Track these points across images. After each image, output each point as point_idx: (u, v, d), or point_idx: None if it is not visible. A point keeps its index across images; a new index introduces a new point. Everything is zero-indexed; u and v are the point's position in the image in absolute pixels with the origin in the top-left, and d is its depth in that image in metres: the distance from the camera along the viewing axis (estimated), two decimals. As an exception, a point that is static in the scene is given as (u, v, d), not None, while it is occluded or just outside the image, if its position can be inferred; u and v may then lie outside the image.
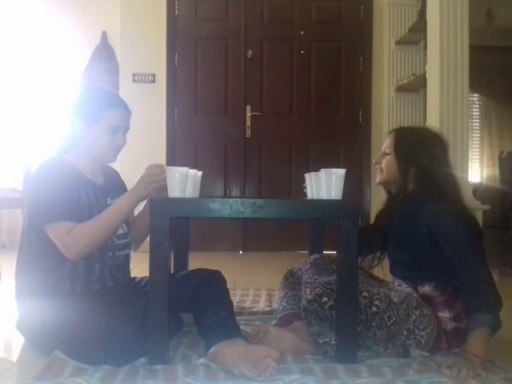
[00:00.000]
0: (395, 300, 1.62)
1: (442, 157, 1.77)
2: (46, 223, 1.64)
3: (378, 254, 1.90)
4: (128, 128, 1.81)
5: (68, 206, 1.65)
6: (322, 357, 1.62)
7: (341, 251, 1.59)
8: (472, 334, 1.56)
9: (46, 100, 4.36)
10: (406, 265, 1.81)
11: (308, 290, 1.64)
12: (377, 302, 1.59)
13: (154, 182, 1.65)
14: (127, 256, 1.86)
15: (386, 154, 1.82)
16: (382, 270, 1.94)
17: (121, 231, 1.79)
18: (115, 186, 1.88)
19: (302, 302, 1.66)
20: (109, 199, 1.78)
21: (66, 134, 1.79)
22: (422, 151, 1.75)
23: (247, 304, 2.41)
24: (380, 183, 1.87)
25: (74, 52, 4.41)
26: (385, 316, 1.59)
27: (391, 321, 1.60)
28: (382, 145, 1.87)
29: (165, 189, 1.60)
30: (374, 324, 1.59)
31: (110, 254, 1.75)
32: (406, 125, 4.35)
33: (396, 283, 1.81)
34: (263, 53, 4.43)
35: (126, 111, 1.79)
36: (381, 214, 1.92)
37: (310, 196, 1.85)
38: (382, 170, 1.83)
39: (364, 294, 1.60)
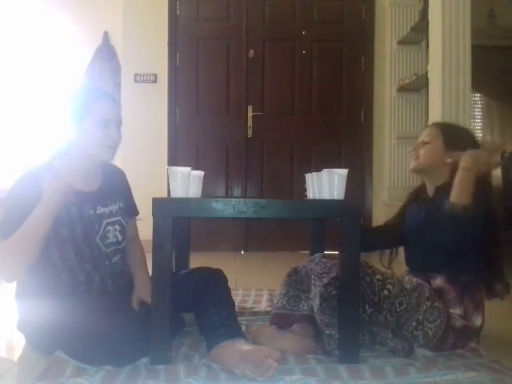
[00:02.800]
0: (407, 286, 1.64)
1: None
2: None
3: (395, 248, 2.01)
4: (120, 121, 1.75)
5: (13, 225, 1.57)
6: (323, 354, 1.63)
7: (343, 251, 1.59)
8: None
9: (48, 101, 4.36)
10: (423, 252, 1.84)
11: (324, 280, 1.64)
12: (389, 286, 1.61)
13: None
14: (123, 260, 1.83)
15: (426, 143, 1.87)
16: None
17: (112, 239, 1.75)
18: (113, 190, 1.82)
19: (319, 289, 1.64)
20: (99, 207, 1.73)
21: (60, 140, 1.76)
22: (468, 139, 1.88)
23: (249, 304, 2.41)
24: (414, 170, 1.92)
25: (76, 52, 4.42)
26: (396, 301, 1.61)
27: (402, 307, 1.61)
28: (420, 136, 1.92)
29: None
30: (385, 307, 1.60)
31: (107, 262, 1.74)
32: (408, 125, 4.37)
33: (406, 278, 1.81)
34: (265, 53, 4.43)
35: (113, 103, 1.75)
36: (404, 207, 1.99)
37: (311, 196, 1.85)
38: (418, 157, 1.88)
39: (378, 276, 1.62)
